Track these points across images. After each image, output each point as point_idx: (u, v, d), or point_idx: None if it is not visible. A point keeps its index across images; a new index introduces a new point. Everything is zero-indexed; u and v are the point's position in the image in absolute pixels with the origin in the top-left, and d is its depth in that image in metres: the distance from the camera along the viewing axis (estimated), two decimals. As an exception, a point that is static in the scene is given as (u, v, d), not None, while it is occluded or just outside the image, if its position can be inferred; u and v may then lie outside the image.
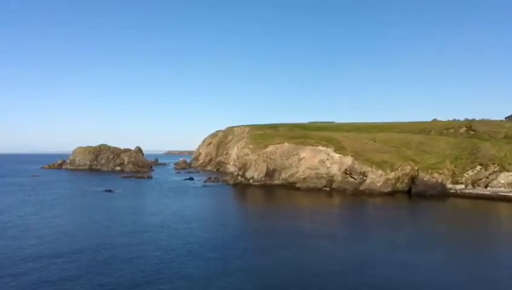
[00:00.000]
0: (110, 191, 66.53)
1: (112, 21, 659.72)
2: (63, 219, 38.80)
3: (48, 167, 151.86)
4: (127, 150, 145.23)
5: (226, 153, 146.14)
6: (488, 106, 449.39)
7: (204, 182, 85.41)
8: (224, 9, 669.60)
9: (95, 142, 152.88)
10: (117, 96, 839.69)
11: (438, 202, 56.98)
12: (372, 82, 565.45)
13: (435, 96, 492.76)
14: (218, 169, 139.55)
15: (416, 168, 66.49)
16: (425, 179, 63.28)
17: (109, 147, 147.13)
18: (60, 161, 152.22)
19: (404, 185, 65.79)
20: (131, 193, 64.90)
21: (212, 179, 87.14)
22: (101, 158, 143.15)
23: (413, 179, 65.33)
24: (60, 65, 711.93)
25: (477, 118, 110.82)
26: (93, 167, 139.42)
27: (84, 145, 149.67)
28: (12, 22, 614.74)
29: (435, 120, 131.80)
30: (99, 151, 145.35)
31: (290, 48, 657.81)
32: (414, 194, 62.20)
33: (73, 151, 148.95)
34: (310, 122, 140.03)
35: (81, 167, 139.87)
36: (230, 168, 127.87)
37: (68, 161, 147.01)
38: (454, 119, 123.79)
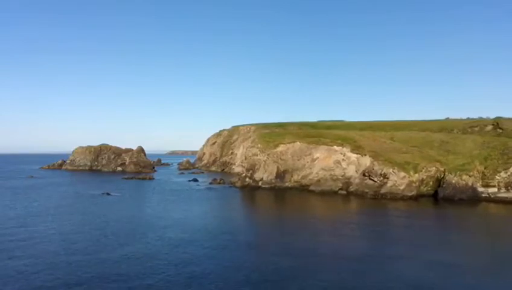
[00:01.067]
0: (108, 194, 61.32)
1: (113, 21, 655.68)
2: (47, 232, 33.32)
3: (47, 167, 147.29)
4: (128, 150, 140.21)
5: (231, 153, 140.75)
6: (501, 104, 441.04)
7: (210, 183, 79.99)
8: (225, 9, 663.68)
9: (96, 142, 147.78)
10: (119, 95, 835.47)
11: (471, 208, 51.13)
12: (377, 82, 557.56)
13: (438, 96, 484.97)
14: (223, 170, 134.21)
15: (442, 169, 60.61)
16: (453, 181, 57.37)
17: (110, 146, 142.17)
18: (59, 161, 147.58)
19: (429, 189, 59.94)
20: (130, 197, 59.53)
21: (218, 180, 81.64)
22: (102, 158, 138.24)
23: (439, 182, 59.49)
24: (61, 65, 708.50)
25: (491, 116, 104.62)
26: (94, 168, 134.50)
27: (86, 145, 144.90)
28: (12, 22, 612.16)
29: (447, 119, 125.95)
30: (100, 151, 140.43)
31: (292, 47, 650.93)
32: (441, 198, 56.36)
33: (73, 151, 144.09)
34: (319, 121, 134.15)
35: (81, 168, 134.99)
36: (236, 168, 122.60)
37: (68, 161, 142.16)
38: (468, 118, 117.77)
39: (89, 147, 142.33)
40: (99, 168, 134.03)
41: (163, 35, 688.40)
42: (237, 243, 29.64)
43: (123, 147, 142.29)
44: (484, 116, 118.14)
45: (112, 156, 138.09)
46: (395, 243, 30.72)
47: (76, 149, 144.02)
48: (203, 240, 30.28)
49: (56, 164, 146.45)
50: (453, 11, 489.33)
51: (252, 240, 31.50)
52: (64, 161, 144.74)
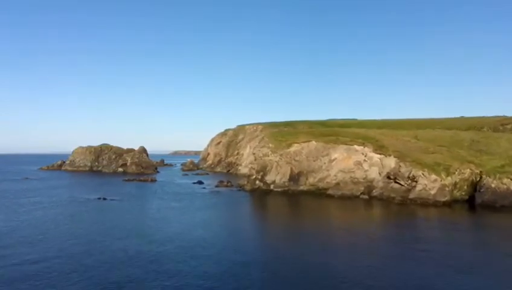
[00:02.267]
0: (104, 199, 55.31)
1: (114, 21, 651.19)
2: (20, 250, 27.31)
3: (46, 168, 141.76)
4: (130, 150, 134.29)
5: (237, 154, 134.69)
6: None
7: (216, 186, 73.80)
8: (226, 9, 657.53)
9: (97, 142, 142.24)
10: (121, 94, 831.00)
11: (516, 216, 44.69)
12: (380, 82, 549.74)
13: (439, 95, 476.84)
14: (229, 171, 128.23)
15: (477, 171, 54.10)
16: (492, 185, 50.82)
17: (111, 146, 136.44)
18: (59, 162, 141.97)
19: (463, 193, 53.41)
20: (128, 202, 53.36)
21: (225, 183, 75.37)
22: (103, 159, 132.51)
23: (474, 186, 52.98)
24: (62, 65, 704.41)
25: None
26: (94, 168, 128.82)
27: (86, 145, 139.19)
28: (13, 22, 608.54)
29: (462, 117, 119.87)
30: (101, 151, 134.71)
31: (294, 48, 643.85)
32: (479, 204, 49.81)
33: (73, 152, 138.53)
34: (329, 119, 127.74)
35: (81, 169, 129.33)
36: (243, 169, 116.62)
37: (67, 162, 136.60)
38: (483, 116, 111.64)
39: (89, 147, 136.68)
40: (99, 169, 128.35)
41: (165, 35, 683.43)
42: (250, 268, 23.40)
43: (124, 147, 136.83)
44: (501, 114, 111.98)
45: (113, 157, 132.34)
46: (443, 267, 24.11)
47: (76, 149, 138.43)
48: (206, 266, 24.02)
49: (55, 165, 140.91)
50: (449, 10, 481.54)
51: (267, 263, 25.20)
52: (64, 162, 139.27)
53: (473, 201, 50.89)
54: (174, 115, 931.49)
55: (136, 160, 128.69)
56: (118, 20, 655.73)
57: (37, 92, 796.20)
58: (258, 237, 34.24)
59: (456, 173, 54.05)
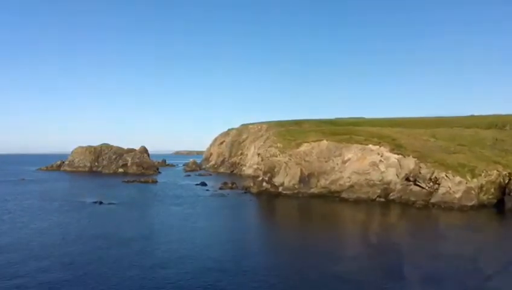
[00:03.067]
0: (100, 203, 51.20)
1: (115, 22, 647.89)
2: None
3: (45, 168, 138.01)
4: (131, 150, 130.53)
5: (241, 154, 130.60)
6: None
7: (220, 188, 69.66)
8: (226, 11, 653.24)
9: (98, 142, 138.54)
10: (121, 94, 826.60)
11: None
12: (390, 81, 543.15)
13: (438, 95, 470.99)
14: (232, 171, 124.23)
15: (505, 173, 49.71)
16: (524, 188, 46.46)
17: (111, 146, 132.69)
18: (58, 162, 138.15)
19: (490, 197, 48.97)
20: (126, 207, 49.22)
21: (230, 184, 71.18)
22: (103, 159, 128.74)
23: (503, 189, 48.62)
24: (61, 65, 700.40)
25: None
26: (94, 169, 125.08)
27: (86, 145, 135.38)
28: (13, 22, 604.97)
29: (472, 116, 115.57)
30: (101, 151, 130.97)
31: (297, 47, 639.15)
32: (509, 209, 45.43)
33: (73, 151, 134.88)
34: (337, 118, 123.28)
35: (80, 169, 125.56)
36: (247, 170, 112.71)
37: (67, 162, 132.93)
38: (494, 115, 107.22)
39: (89, 147, 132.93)
40: (99, 169, 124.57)
41: (167, 36, 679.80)
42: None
43: (125, 147, 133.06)
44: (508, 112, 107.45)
45: (113, 157, 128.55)
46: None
47: (75, 149, 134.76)
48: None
49: (54, 165, 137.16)
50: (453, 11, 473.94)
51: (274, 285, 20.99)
52: (63, 162, 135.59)
53: (502, 206, 46.58)
54: (176, 114, 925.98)
55: (137, 160, 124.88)
56: (118, 21, 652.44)
57: (37, 92, 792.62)
58: (271, 254, 30.00)
59: (482, 174, 49.61)
